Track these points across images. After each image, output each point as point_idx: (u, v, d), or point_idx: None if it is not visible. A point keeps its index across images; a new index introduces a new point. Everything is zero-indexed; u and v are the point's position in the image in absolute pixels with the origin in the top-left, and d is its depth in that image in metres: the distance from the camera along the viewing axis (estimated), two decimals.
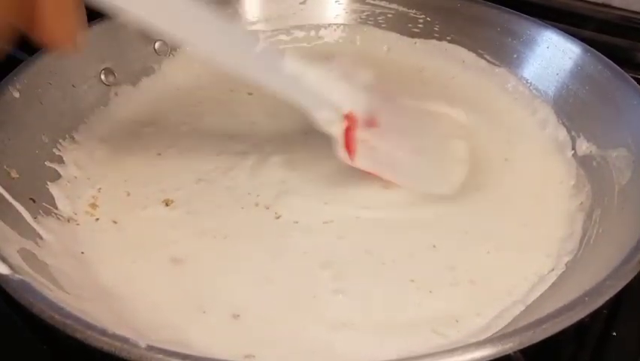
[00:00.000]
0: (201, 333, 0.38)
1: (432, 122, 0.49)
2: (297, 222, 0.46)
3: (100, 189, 0.49)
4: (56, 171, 0.49)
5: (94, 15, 0.59)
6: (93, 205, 0.48)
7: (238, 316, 0.40)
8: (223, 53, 0.40)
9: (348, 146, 0.44)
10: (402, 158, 0.46)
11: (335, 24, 0.67)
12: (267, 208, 0.47)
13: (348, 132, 0.44)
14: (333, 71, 0.44)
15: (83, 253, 0.44)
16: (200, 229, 0.45)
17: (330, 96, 0.43)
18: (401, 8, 0.65)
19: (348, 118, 0.44)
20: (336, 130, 0.44)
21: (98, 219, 0.47)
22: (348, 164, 0.45)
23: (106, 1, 0.35)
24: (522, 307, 0.40)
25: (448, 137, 0.49)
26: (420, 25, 0.64)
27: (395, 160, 0.46)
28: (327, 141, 0.45)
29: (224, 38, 0.40)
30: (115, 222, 0.46)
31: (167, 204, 0.47)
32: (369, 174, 0.46)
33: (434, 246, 0.44)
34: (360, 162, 0.45)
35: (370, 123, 0.45)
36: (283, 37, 0.67)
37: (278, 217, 0.46)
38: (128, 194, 0.49)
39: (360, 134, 0.44)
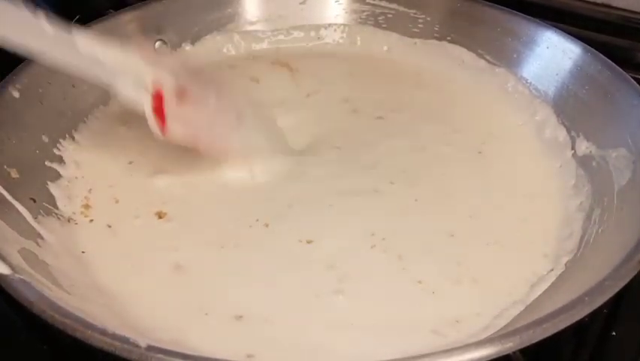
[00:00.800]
0: (203, 334, 0.38)
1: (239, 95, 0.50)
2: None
3: (91, 189, 0.49)
4: (56, 170, 0.49)
5: (93, 15, 0.60)
6: (86, 206, 0.48)
7: (241, 317, 0.40)
8: (15, 36, 0.39)
9: (160, 119, 0.44)
10: (222, 124, 0.47)
11: (335, 24, 0.67)
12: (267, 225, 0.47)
13: (157, 106, 0.43)
14: (131, 52, 0.44)
15: (83, 252, 0.44)
16: (199, 234, 0.45)
17: (131, 71, 0.43)
18: (401, 8, 0.65)
19: (154, 91, 0.43)
20: (144, 104, 0.43)
21: (92, 220, 0.47)
22: (161, 138, 0.45)
23: None
24: (522, 307, 0.40)
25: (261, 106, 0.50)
26: (420, 26, 0.64)
27: (215, 126, 0.46)
28: None
29: (16, 23, 0.40)
30: (109, 226, 0.46)
31: (160, 217, 0.47)
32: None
33: (436, 245, 0.45)
34: (174, 133, 0.44)
35: (181, 95, 0.44)
36: (283, 37, 0.67)
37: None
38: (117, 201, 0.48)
39: (172, 107, 0.44)
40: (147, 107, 0.43)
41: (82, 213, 0.47)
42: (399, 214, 0.47)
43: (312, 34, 0.67)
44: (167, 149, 0.50)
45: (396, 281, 0.42)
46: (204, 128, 0.46)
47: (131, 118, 0.56)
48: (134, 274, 0.43)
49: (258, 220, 0.46)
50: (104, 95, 0.56)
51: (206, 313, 0.40)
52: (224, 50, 0.65)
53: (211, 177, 0.50)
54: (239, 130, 0.48)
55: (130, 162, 0.51)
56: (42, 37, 0.40)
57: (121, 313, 0.39)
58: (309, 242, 0.44)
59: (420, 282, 0.42)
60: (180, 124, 0.44)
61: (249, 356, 0.37)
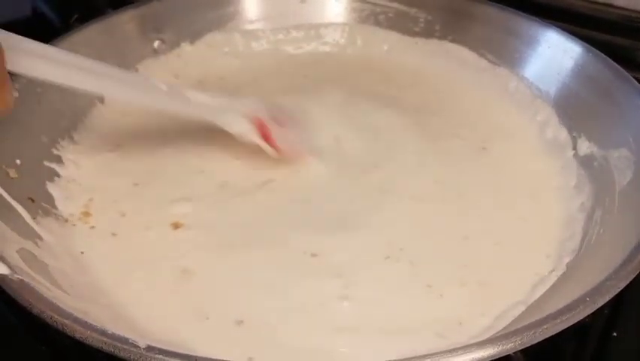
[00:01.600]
0: (202, 337, 0.38)
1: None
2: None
3: (92, 199, 0.48)
4: (55, 171, 0.49)
5: (92, 13, 0.60)
6: (86, 213, 0.47)
7: (241, 322, 0.39)
8: (142, 99, 0.47)
9: (272, 144, 0.50)
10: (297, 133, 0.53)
11: (335, 23, 0.67)
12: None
13: (265, 134, 0.50)
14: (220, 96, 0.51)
15: (82, 253, 0.44)
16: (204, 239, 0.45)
17: (234, 110, 0.49)
18: (402, 7, 0.65)
19: (257, 122, 0.50)
20: (253, 136, 0.49)
21: (93, 227, 0.46)
22: (277, 158, 0.50)
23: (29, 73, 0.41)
24: (523, 308, 0.40)
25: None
26: (421, 25, 0.64)
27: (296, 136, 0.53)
28: None
29: (139, 88, 0.47)
30: (114, 234, 0.46)
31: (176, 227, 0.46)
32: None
33: (449, 250, 0.44)
34: (284, 151, 0.51)
35: (278, 121, 0.51)
36: (282, 36, 0.67)
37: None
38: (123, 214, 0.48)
39: (276, 131, 0.50)
40: (257, 137, 0.50)
41: (80, 219, 0.47)
42: (412, 219, 0.47)
43: (312, 33, 0.67)
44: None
45: (406, 287, 0.42)
46: (294, 141, 0.52)
47: (129, 116, 0.56)
48: (134, 274, 0.42)
49: (271, 230, 0.46)
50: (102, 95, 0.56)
51: (207, 318, 0.40)
52: (224, 49, 0.65)
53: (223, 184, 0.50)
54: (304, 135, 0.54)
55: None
56: (154, 92, 0.47)
57: (120, 314, 0.39)
58: (314, 255, 0.44)
59: (429, 287, 0.42)
60: (283, 142, 0.50)
61: (250, 359, 0.37)
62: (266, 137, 0.50)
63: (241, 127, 0.49)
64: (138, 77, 0.50)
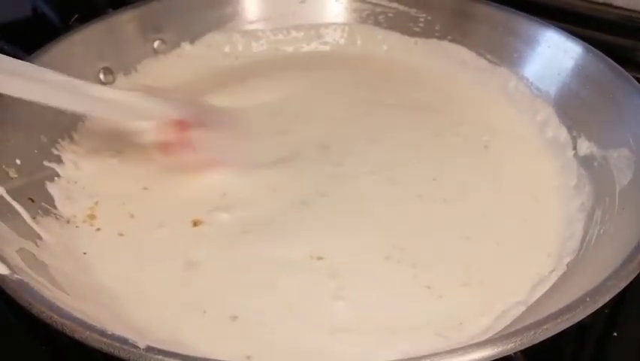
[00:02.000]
0: (199, 334, 0.38)
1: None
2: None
3: (97, 202, 0.48)
4: (55, 170, 0.49)
5: (92, 13, 0.60)
6: (91, 216, 0.47)
7: (236, 317, 0.39)
8: (49, 95, 0.43)
9: (185, 146, 0.48)
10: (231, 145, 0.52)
11: (335, 23, 0.67)
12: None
13: (180, 135, 0.48)
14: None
15: (85, 253, 0.44)
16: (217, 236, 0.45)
17: (149, 109, 0.47)
18: (402, 7, 0.65)
19: (174, 124, 0.47)
20: (164, 135, 0.47)
21: (99, 229, 0.46)
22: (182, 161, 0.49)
23: None
24: (523, 308, 0.40)
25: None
26: (420, 25, 0.64)
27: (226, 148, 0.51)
28: None
29: (48, 83, 0.43)
30: (121, 234, 0.46)
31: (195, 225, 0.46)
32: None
33: (450, 250, 0.44)
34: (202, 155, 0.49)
35: (199, 124, 0.49)
36: (282, 36, 0.67)
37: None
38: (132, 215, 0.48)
39: (194, 133, 0.48)
40: (168, 137, 0.47)
41: (85, 221, 0.47)
42: (413, 219, 0.47)
43: (312, 33, 0.67)
44: None
45: (405, 287, 0.42)
46: (222, 149, 0.50)
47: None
48: (134, 273, 0.43)
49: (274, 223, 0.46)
50: None
51: (205, 311, 0.40)
52: (224, 49, 0.65)
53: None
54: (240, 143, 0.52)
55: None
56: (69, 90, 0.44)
57: (120, 313, 0.39)
58: (319, 258, 0.44)
59: (429, 287, 0.42)
60: (203, 148, 0.49)
61: (248, 357, 0.37)
62: (180, 137, 0.48)
63: (153, 127, 0.47)
64: (44, 71, 0.45)
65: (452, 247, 0.45)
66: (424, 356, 0.31)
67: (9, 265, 0.35)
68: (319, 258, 0.43)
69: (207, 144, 0.49)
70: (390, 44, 0.66)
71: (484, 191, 0.49)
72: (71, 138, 0.52)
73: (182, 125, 0.48)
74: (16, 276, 0.35)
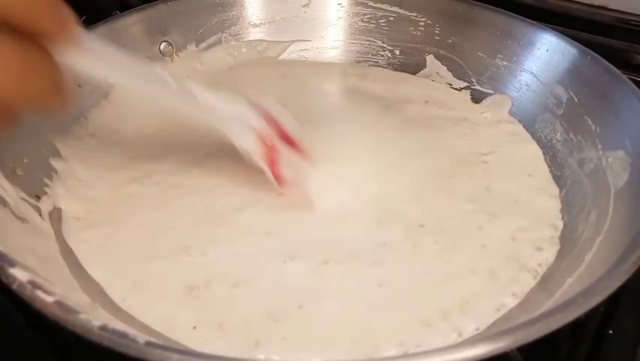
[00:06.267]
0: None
1: None
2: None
3: (103, 200, 0.49)
4: (61, 168, 0.49)
5: (98, 16, 0.60)
6: (90, 211, 0.48)
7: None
8: (148, 93, 0.43)
9: (277, 174, 0.44)
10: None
11: (337, 27, 0.68)
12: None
13: (272, 159, 0.44)
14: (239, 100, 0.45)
15: (84, 250, 0.44)
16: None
17: (243, 120, 0.44)
18: (402, 11, 0.65)
19: (266, 140, 0.44)
20: (258, 159, 0.44)
21: (97, 225, 0.47)
22: (282, 195, 0.45)
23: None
24: (519, 306, 0.40)
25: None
26: (421, 28, 0.65)
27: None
28: None
29: (149, 80, 0.43)
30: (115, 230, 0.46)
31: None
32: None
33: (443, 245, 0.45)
34: (290, 187, 0.45)
35: (289, 140, 0.45)
36: (285, 39, 0.67)
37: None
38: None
39: (286, 155, 0.45)
40: (262, 160, 0.44)
41: (86, 218, 0.47)
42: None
43: (315, 37, 0.67)
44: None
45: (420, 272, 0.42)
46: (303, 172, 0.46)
47: (130, 117, 0.56)
48: (132, 270, 0.43)
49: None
50: (106, 92, 0.57)
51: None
52: (229, 53, 0.66)
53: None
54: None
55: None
56: (165, 90, 0.42)
57: (118, 309, 0.40)
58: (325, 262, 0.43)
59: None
60: (291, 173, 0.45)
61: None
62: (272, 162, 0.44)
63: (248, 143, 0.44)
64: (150, 69, 0.44)
65: (457, 249, 0.44)
66: (420, 354, 0.32)
67: (13, 265, 0.36)
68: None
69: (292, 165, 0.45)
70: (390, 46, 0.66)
71: (483, 191, 0.49)
72: (76, 137, 0.53)
73: (269, 141, 0.44)
74: (19, 274, 0.35)
